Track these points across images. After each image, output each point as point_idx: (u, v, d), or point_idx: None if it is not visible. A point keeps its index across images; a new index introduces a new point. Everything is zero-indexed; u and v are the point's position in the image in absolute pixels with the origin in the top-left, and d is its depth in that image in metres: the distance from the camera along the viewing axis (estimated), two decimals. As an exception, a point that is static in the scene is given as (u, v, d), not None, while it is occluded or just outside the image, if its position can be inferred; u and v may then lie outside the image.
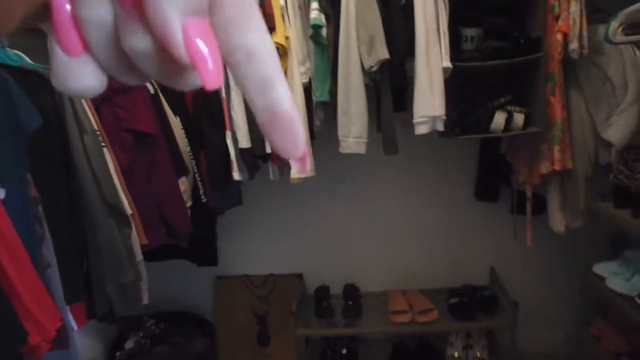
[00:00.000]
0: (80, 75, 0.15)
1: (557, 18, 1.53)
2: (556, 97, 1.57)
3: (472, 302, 1.85)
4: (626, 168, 1.55)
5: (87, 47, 0.15)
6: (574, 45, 1.50)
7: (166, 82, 0.17)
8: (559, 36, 1.52)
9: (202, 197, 1.74)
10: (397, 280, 2.05)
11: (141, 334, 1.88)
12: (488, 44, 1.59)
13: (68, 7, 0.14)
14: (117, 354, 1.83)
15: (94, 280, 1.38)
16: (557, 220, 1.72)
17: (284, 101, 0.18)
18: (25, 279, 0.97)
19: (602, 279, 1.67)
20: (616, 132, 1.57)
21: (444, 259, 2.05)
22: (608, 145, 1.61)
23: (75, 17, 0.14)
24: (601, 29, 1.53)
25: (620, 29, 1.36)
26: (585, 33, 1.49)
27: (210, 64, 0.15)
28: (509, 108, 1.63)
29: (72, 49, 0.15)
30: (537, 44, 1.55)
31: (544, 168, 1.64)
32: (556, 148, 1.60)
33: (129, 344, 1.86)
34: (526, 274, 2.01)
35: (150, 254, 1.63)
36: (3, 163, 0.97)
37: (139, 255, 1.55)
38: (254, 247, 2.08)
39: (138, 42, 0.15)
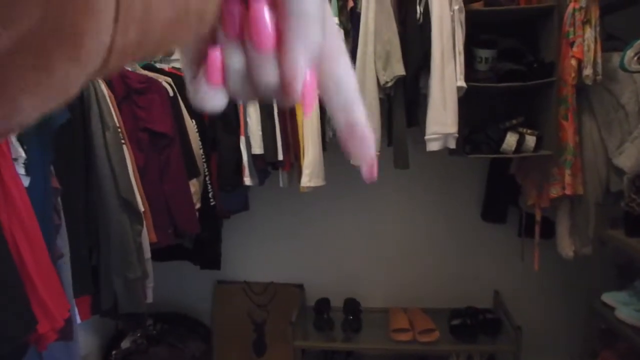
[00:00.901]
0: (215, 99, 0.20)
1: (571, 44, 1.55)
2: (569, 121, 1.58)
3: (474, 324, 1.82)
4: (638, 196, 1.54)
5: (224, 81, 0.20)
6: (587, 72, 1.51)
7: (270, 100, 0.22)
8: (573, 62, 1.54)
9: (211, 200, 1.75)
10: (399, 297, 2.02)
11: (138, 334, 1.87)
12: (502, 65, 1.61)
13: (219, 54, 0.19)
14: (113, 352, 1.82)
15: (102, 273, 1.39)
16: (566, 245, 1.70)
17: (361, 119, 0.23)
18: (40, 267, 0.98)
19: (612, 308, 1.63)
20: (628, 159, 1.56)
21: (448, 278, 2.03)
22: (620, 172, 1.61)
23: (223, 61, 0.19)
24: (615, 56, 1.55)
25: (635, 58, 1.38)
26: (599, 60, 1.51)
27: (312, 105, 0.20)
28: (520, 130, 1.64)
29: (215, 82, 0.20)
30: (550, 68, 1.57)
31: (555, 192, 1.63)
32: (567, 172, 1.59)
33: (125, 343, 1.85)
34: (531, 298, 1.98)
35: (155, 253, 1.64)
36: (30, 153, 1.00)
37: (148, 253, 1.56)
38: (257, 254, 2.08)
39: (267, 80, 0.20)
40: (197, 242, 1.84)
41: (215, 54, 0.19)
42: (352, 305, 1.95)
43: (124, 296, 1.46)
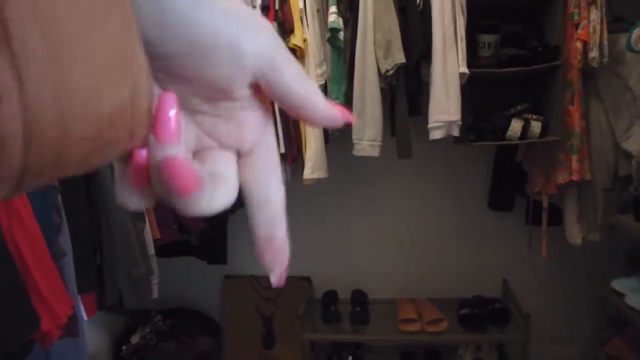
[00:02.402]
0: (139, 199, 0.19)
1: (576, 26, 1.51)
2: (575, 106, 1.55)
3: (483, 313, 1.81)
4: (647, 180, 1.51)
5: (148, 184, 0.18)
6: (594, 54, 1.48)
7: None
8: (579, 44, 1.50)
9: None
10: (406, 288, 2.02)
11: (148, 329, 1.89)
12: (505, 51, 1.58)
13: (144, 156, 0.18)
14: (123, 347, 1.84)
15: (106, 271, 1.40)
16: (574, 232, 1.68)
17: (283, 234, 0.24)
18: (41, 265, 0.99)
19: (621, 295, 1.61)
20: (637, 142, 1.53)
21: (455, 268, 2.01)
22: (628, 156, 1.58)
23: (147, 164, 0.18)
24: (622, 38, 1.52)
25: (642, 37, 1.34)
26: (605, 42, 1.48)
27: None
28: (525, 116, 1.61)
29: (139, 185, 0.19)
30: (556, 52, 1.54)
31: (562, 178, 1.61)
32: (574, 158, 1.57)
33: (135, 339, 1.87)
34: (540, 286, 1.96)
35: (162, 250, 1.65)
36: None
37: (151, 250, 1.57)
38: (264, 248, 2.08)
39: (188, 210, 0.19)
40: (203, 237, 1.85)
41: (140, 158, 0.18)
42: (359, 297, 1.95)
43: (128, 292, 1.47)
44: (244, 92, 0.20)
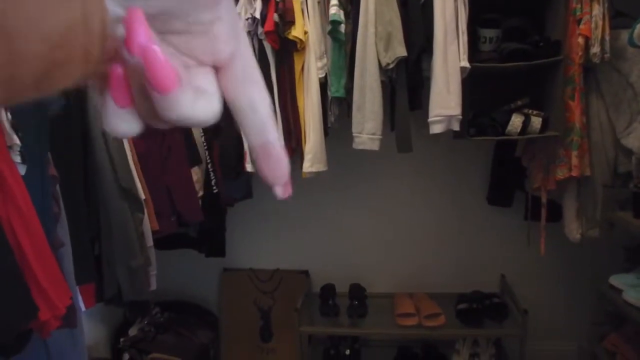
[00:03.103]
0: (127, 122, 0.19)
1: (578, 21, 1.51)
2: (575, 102, 1.55)
3: (481, 309, 1.81)
4: (647, 177, 1.51)
5: (132, 101, 0.19)
6: (595, 49, 1.47)
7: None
8: (580, 40, 1.50)
9: (214, 187, 1.75)
10: (404, 282, 2.02)
11: (146, 322, 1.89)
12: (506, 45, 1.57)
13: (121, 71, 0.18)
14: (121, 339, 1.84)
15: (105, 262, 1.40)
16: (573, 228, 1.68)
17: (276, 140, 0.24)
18: (39, 255, 0.98)
19: (619, 291, 1.62)
20: (637, 139, 1.53)
21: (453, 263, 2.02)
22: (628, 152, 1.57)
23: (126, 78, 0.18)
24: (624, 33, 1.51)
25: (644, 33, 1.34)
26: (607, 37, 1.47)
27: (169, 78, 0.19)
28: (526, 111, 1.61)
29: (121, 103, 0.19)
30: (557, 47, 1.53)
31: (561, 174, 1.61)
32: (574, 154, 1.56)
33: (133, 331, 1.87)
34: (538, 282, 1.96)
35: (160, 242, 1.65)
36: (25, 141, 0.99)
37: (150, 241, 1.57)
38: (262, 241, 2.08)
39: (170, 116, 0.20)
40: (201, 230, 1.85)
41: (117, 73, 0.18)
42: (357, 291, 1.95)
43: (127, 284, 1.47)
44: None
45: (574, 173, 1.57)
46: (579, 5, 1.50)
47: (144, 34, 0.17)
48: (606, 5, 1.47)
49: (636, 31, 1.33)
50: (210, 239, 1.87)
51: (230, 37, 0.21)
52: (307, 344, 1.85)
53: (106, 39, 0.17)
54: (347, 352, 1.92)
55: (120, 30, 0.17)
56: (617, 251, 1.78)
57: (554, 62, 1.53)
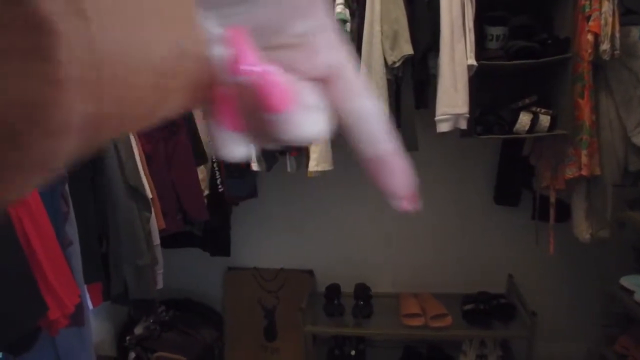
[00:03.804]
0: (238, 143, 0.19)
1: (587, 18, 1.49)
2: (585, 100, 1.53)
3: (488, 309, 1.79)
4: (657, 176, 1.48)
5: (240, 123, 0.18)
6: (605, 46, 1.45)
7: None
8: (590, 37, 1.48)
9: (219, 186, 1.75)
10: (410, 282, 2.00)
11: (151, 320, 1.89)
12: (514, 43, 1.56)
13: (229, 93, 0.18)
14: (127, 338, 1.85)
15: (112, 260, 1.40)
16: (583, 229, 1.65)
17: (390, 152, 0.22)
18: (49, 254, 0.99)
19: (630, 292, 1.59)
20: (648, 137, 1.50)
21: (459, 263, 2.00)
22: (638, 151, 1.55)
23: (235, 103, 0.18)
24: (634, 30, 1.49)
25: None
26: (617, 34, 1.45)
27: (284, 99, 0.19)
28: (534, 109, 1.59)
29: (232, 126, 0.18)
30: (565, 44, 1.51)
31: (570, 173, 1.58)
32: (583, 152, 1.54)
33: (138, 329, 1.88)
34: (546, 283, 1.93)
35: (165, 240, 1.65)
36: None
37: (157, 240, 1.57)
38: (266, 241, 2.08)
39: (282, 137, 0.19)
40: (206, 229, 1.85)
41: (224, 96, 0.17)
42: (362, 291, 1.94)
43: (133, 282, 1.47)
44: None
45: (584, 172, 1.55)
46: (588, 2, 1.48)
47: (252, 53, 0.16)
48: (616, 1, 1.45)
49: (647, 27, 1.31)
50: (215, 237, 1.87)
51: (331, 47, 0.21)
52: (312, 344, 1.84)
53: (208, 63, 0.16)
54: (352, 352, 1.90)
55: (221, 51, 0.17)
56: (626, 251, 1.75)
57: (562, 59, 1.51)
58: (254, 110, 0.17)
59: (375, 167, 0.22)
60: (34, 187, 0.13)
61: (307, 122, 0.18)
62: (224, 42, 0.17)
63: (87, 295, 1.36)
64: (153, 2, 0.14)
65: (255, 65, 0.17)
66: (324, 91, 0.21)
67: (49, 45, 0.11)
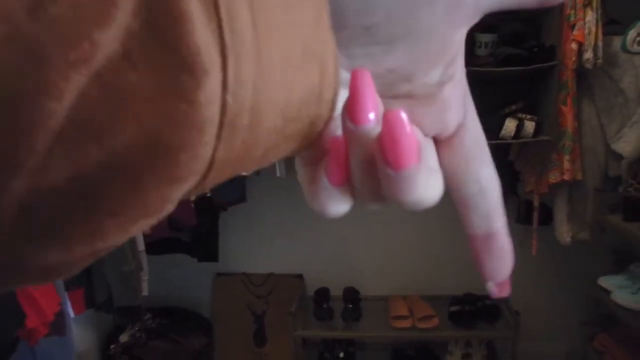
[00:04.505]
0: (339, 200, 0.16)
1: (572, 27, 1.52)
2: (568, 107, 1.57)
3: (473, 310, 1.83)
4: (636, 181, 1.54)
5: (348, 179, 0.16)
6: (588, 55, 1.49)
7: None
8: (574, 45, 1.51)
9: (207, 191, 1.72)
10: (398, 285, 2.03)
11: (137, 328, 1.85)
12: (502, 50, 1.58)
13: (341, 143, 0.15)
14: (112, 346, 1.81)
15: (95, 266, 1.37)
16: (564, 231, 1.71)
17: (502, 231, 0.19)
18: (27, 260, 0.95)
19: (608, 292, 1.65)
20: (627, 144, 1.56)
21: (446, 265, 2.03)
22: (618, 157, 1.60)
23: (345, 154, 0.15)
24: (616, 40, 1.53)
25: (638, 39, 1.36)
26: (600, 43, 1.49)
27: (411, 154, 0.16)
28: (519, 115, 1.62)
29: (335, 181, 0.16)
30: (551, 52, 1.54)
31: (553, 178, 1.63)
32: (566, 158, 1.59)
33: (124, 337, 1.84)
34: (529, 284, 1.99)
35: (152, 247, 1.62)
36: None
37: (141, 245, 1.54)
38: (255, 245, 2.06)
39: (402, 197, 0.16)
40: (194, 234, 1.82)
41: (336, 145, 0.15)
42: (351, 294, 1.95)
43: (118, 289, 1.44)
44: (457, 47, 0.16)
45: (566, 177, 1.59)
46: (572, 12, 1.51)
47: (376, 99, 0.14)
48: (599, 11, 1.49)
49: (629, 37, 1.35)
50: (203, 243, 1.85)
51: (460, 102, 0.18)
52: (302, 348, 1.84)
53: (335, 107, 0.15)
54: (342, 355, 1.92)
55: (346, 94, 0.14)
56: (607, 254, 1.82)
57: (548, 67, 1.54)
58: (369, 164, 0.15)
59: (482, 245, 0.20)
60: (137, 233, 0.12)
61: (428, 184, 0.16)
62: (348, 85, 0.15)
63: (69, 303, 1.32)
64: (297, 33, 0.12)
65: (379, 112, 0.14)
66: (439, 151, 0.18)
67: (194, 86, 0.10)
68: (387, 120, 0.13)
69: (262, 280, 2.03)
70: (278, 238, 2.05)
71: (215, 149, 0.11)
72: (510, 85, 1.71)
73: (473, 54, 1.60)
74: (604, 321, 1.79)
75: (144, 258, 1.58)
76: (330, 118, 0.15)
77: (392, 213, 2.03)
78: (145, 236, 1.55)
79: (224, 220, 1.91)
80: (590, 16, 1.49)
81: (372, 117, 0.14)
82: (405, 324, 1.79)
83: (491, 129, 1.61)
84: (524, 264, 1.94)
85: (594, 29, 1.49)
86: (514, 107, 1.64)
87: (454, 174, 0.19)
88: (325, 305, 1.88)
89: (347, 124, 0.14)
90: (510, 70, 1.54)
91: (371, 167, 0.15)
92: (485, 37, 1.59)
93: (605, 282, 1.70)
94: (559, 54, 1.53)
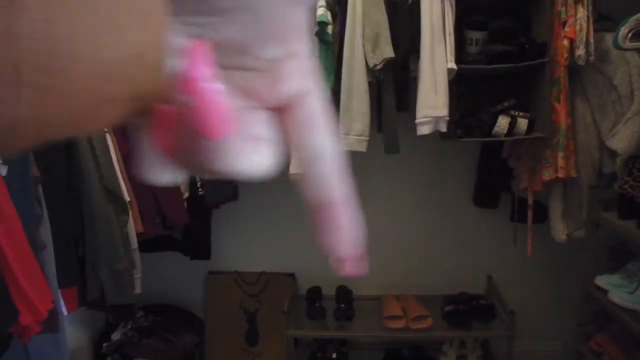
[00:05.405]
0: (169, 168, 0.16)
1: (564, 24, 1.51)
2: (561, 104, 1.56)
3: (468, 310, 1.81)
4: (631, 178, 1.52)
5: (174, 147, 0.16)
6: (580, 52, 1.48)
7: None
8: (566, 42, 1.51)
9: (200, 189, 1.72)
10: (391, 284, 2.01)
11: (129, 326, 1.85)
12: (493, 47, 1.58)
13: (169, 110, 0.15)
14: (104, 344, 1.80)
15: (88, 264, 1.37)
16: (559, 229, 1.69)
17: (337, 204, 0.20)
18: (21, 258, 0.95)
19: (604, 291, 1.63)
20: (621, 141, 1.54)
21: (440, 264, 2.01)
22: (613, 154, 1.59)
23: (172, 123, 0.15)
24: (608, 36, 1.52)
25: (630, 35, 1.35)
26: (592, 40, 1.48)
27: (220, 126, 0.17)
28: (512, 113, 1.61)
29: (164, 147, 0.16)
30: (543, 49, 1.54)
31: (547, 175, 1.61)
32: (560, 155, 1.57)
33: (116, 335, 1.83)
34: (524, 283, 1.97)
35: (144, 245, 1.61)
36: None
37: (134, 244, 1.53)
38: (248, 244, 2.06)
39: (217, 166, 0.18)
40: (186, 232, 1.82)
41: (163, 112, 0.15)
42: (344, 293, 1.94)
43: (111, 287, 1.44)
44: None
45: (560, 174, 1.58)
46: (563, 8, 1.51)
47: (204, 70, 0.14)
48: (590, 8, 1.48)
49: (621, 33, 1.35)
50: (196, 241, 1.84)
51: (300, 76, 0.18)
52: (294, 347, 1.83)
53: (162, 73, 0.14)
54: (334, 355, 1.90)
55: (176, 62, 0.14)
56: (602, 251, 1.79)
57: (539, 64, 1.54)
58: (191, 135, 0.15)
59: (316, 215, 0.20)
60: None
61: (248, 154, 0.16)
62: (182, 53, 0.15)
63: (62, 301, 1.31)
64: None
65: (205, 83, 0.14)
66: (280, 120, 0.19)
67: None
68: (200, 92, 0.14)
69: (255, 278, 2.03)
70: (270, 236, 2.04)
71: (16, 105, 0.11)
72: (501, 82, 1.70)
73: (464, 51, 1.60)
74: (599, 320, 1.76)
75: (137, 256, 1.58)
76: (158, 84, 0.15)
77: (385, 211, 2.02)
78: (138, 234, 1.55)
79: (217, 219, 1.91)
80: (582, 13, 1.48)
81: (196, 86, 0.14)
82: (399, 324, 1.77)
83: (484, 125, 1.60)
84: (519, 263, 1.93)
85: (585, 25, 1.48)
86: (506, 103, 1.63)
87: (292, 139, 0.20)
88: (317, 304, 1.87)
89: (175, 93, 0.14)
90: (501, 67, 1.54)
91: (194, 137, 0.15)
92: (475, 35, 1.58)
93: (601, 281, 1.68)
94: (550, 50, 1.52)
